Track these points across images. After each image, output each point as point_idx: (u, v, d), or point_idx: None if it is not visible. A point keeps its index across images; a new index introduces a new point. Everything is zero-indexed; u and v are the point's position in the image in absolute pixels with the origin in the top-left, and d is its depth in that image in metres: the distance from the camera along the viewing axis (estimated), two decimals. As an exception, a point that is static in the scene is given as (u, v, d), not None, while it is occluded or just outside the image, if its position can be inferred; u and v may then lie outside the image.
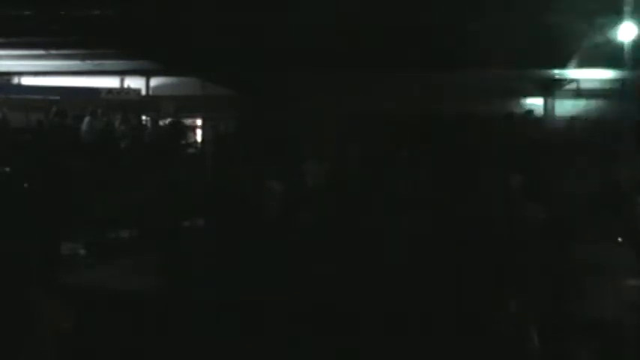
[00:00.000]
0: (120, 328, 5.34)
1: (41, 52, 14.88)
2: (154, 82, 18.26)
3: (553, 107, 16.44)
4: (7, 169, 11.10)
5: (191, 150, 16.29)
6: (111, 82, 17.93)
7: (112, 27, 11.51)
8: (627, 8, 10.09)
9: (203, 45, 12.66)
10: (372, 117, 14.72)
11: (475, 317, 5.22)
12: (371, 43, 11.99)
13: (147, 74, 17.85)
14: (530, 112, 15.46)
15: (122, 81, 18.19)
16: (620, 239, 6.19)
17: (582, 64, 13.78)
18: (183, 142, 15.81)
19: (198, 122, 18.88)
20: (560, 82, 15.89)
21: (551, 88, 16.24)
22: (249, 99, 16.77)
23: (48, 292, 4.74)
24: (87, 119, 14.12)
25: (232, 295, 5.65)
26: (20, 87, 18.24)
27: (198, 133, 18.63)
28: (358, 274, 5.79)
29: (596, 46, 11.83)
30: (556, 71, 14.82)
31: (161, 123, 16.52)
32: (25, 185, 10.23)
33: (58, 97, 16.49)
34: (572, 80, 15.79)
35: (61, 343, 4.49)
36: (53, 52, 14.82)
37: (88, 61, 15.82)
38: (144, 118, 16.71)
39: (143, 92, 18.12)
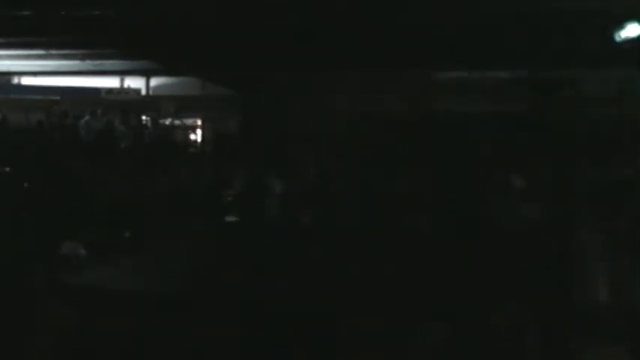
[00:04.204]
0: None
1: (41, 52, 14.86)
2: (154, 82, 18.25)
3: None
4: (7, 169, 11.10)
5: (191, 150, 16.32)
6: (111, 82, 17.93)
7: (112, 27, 11.50)
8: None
9: (203, 45, 12.65)
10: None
11: None
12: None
13: (147, 74, 17.84)
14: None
15: (122, 81, 18.20)
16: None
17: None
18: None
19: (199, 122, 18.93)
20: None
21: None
22: (249, 99, 16.76)
23: (48, 291, 4.75)
24: (87, 119, 14.13)
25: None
26: (20, 87, 18.24)
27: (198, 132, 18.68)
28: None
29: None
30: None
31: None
32: (25, 185, 10.24)
33: (58, 97, 16.50)
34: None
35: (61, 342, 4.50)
36: (53, 52, 14.80)
37: (88, 61, 15.80)
38: (144, 118, 16.72)
39: (143, 92, 18.12)
